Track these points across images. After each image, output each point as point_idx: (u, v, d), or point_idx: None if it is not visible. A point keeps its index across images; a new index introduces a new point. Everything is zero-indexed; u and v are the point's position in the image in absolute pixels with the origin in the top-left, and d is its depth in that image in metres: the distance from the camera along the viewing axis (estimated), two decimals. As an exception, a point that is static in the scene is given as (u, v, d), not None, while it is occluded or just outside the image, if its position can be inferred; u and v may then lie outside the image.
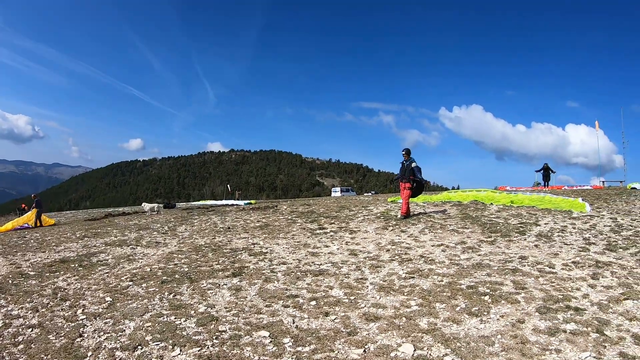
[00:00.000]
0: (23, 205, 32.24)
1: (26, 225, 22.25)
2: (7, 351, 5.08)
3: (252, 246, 11.06)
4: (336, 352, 4.68)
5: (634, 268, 7.51)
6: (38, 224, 22.40)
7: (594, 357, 4.35)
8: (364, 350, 4.68)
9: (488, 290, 6.56)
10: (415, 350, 4.63)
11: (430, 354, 4.54)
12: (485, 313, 5.65)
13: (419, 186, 14.56)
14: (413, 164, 14.21)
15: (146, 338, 5.17)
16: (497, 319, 5.45)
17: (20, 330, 5.77)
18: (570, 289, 6.58)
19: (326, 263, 8.95)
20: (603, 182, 38.11)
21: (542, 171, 32.42)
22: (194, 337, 5.17)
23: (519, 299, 6.15)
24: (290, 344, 4.94)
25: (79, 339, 5.26)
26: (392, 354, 4.56)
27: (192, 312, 6.11)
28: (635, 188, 25.18)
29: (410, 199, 14.76)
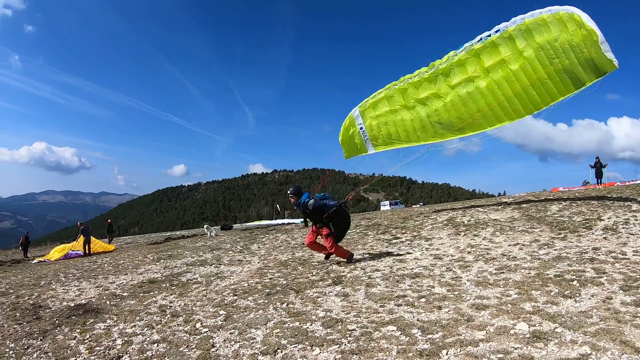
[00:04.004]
0: (109, 221, 33.30)
1: (77, 252, 23.16)
2: (141, 366, 5.43)
3: (336, 257, 11.30)
4: (463, 335, 5.15)
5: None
6: (87, 251, 23.16)
7: (679, 319, 5.11)
8: (486, 332, 5.19)
9: (574, 277, 7.25)
10: (529, 327, 5.17)
11: (542, 329, 5.09)
12: (577, 295, 6.33)
13: (341, 216, 10.67)
14: (310, 202, 10.49)
15: (282, 342, 5.47)
16: (589, 298, 6.14)
17: (144, 346, 6.12)
18: (644, 270, 7.39)
19: (417, 267, 9.28)
20: (657, 174, 37.58)
21: (595, 166, 30.15)
22: (328, 337, 5.48)
23: (603, 282, 6.88)
24: (420, 333, 5.34)
25: (213, 349, 5.57)
26: (511, 332, 5.10)
27: (313, 317, 6.43)
28: None
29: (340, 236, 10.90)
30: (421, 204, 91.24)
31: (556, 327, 5.08)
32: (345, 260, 10.71)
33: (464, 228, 13.69)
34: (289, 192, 10.94)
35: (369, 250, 12.05)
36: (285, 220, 35.41)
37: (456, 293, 6.97)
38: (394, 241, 13.15)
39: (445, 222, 15.56)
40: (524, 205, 17.47)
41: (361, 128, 15.49)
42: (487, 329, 5.25)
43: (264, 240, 17.57)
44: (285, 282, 9.07)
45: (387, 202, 68.71)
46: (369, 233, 15.61)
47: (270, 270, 10.53)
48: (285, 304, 7.32)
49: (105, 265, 15.70)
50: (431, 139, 15.27)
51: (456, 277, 8.01)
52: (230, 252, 14.91)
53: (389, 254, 11.26)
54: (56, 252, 23.81)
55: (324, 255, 11.28)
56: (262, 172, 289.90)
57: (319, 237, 10.93)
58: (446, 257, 10.08)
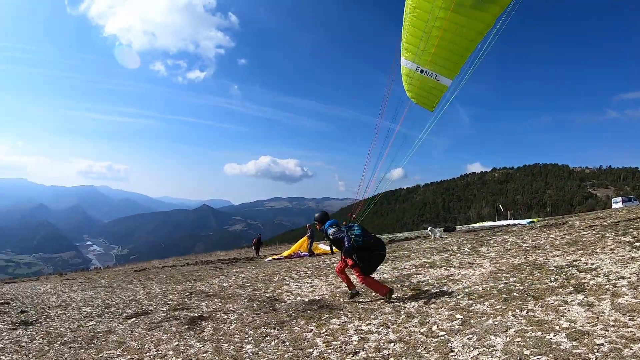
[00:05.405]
0: (344, 222, 35.11)
1: (305, 253, 24.84)
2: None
3: (575, 262, 10.50)
4: None
5: None
6: (311, 252, 24.71)
7: None
8: None
9: None
10: None
11: None
12: None
13: (365, 251, 9.39)
14: (330, 232, 9.95)
15: (524, 352, 5.23)
16: None
17: (381, 344, 6.31)
18: None
19: (670, 275, 8.15)
20: None
21: None
22: (574, 351, 5.09)
23: None
24: (682, 354, 4.69)
25: (451, 354, 5.55)
26: None
27: (557, 327, 6.00)
28: None
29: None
30: None
31: None
32: (380, 295, 9.35)
33: None
34: (315, 221, 10.75)
35: (610, 255, 11.01)
36: (510, 221, 34.01)
37: None
38: (637, 244, 11.86)
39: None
40: None
41: (422, 71, 12.71)
42: None
43: (491, 242, 16.98)
44: (522, 287, 8.57)
45: (620, 199, 62.79)
46: (607, 234, 14.27)
47: (504, 275, 10.07)
48: (525, 311, 6.94)
49: (334, 265, 16.43)
50: (485, 21, 11.89)
51: None
52: (458, 254, 14.74)
53: (632, 259, 10.07)
54: (287, 252, 25.90)
55: (349, 292, 10.01)
56: (481, 171, 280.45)
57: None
58: None
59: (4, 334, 9.74)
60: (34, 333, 9.75)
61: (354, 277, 10.20)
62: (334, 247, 10.67)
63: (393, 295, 9.31)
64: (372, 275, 9.67)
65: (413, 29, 12.39)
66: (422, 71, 12.77)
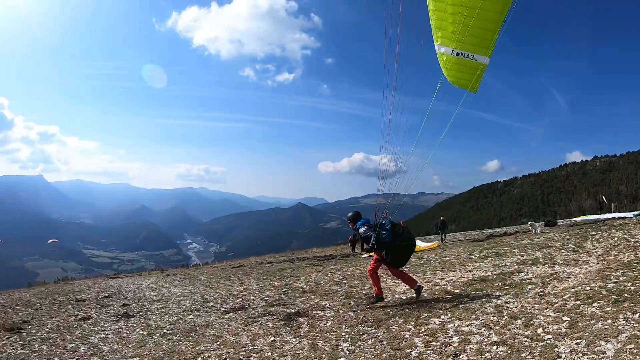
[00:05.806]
0: (442, 218, 34.48)
1: None
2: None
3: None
4: None
5: None
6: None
7: None
8: None
9: None
10: None
11: None
12: None
13: (391, 246, 9.74)
14: (361, 230, 10.31)
15: (637, 360, 4.90)
16: None
17: (483, 347, 6.12)
18: None
19: None
20: None
21: None
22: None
23: None
24: None
25: (558, 360, 5.27)
26: None
27: (674, 333, 5.59)
28: None
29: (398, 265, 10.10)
30: None
31: None
32: (373, 295, 10.46)
33: None
34: (347, 216, 11.17)
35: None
36: (615, 214, 32.37)
37: None
38: None
39: None
40: None
41: (457, 54, 12.05)
42: None
43: (597, 237, 16.14)
44: (633, 287, 8.00)
45: None
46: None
47: (613, 273, 9.47)
48: (637, 314, 6.45)
49: (432, 261, 16.25)
50: None
51: None
52: (562, 250, 14.11)
53: None
54: None
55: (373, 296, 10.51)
56: (581, 160, 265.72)
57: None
58: None
59: (106, 325, 10.51)
60: (135, 325, 10.44)
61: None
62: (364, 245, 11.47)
63: (422, 292, 10.00)
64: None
65: (439, 12, 12.10)
66: (457, 54, 12.32)
